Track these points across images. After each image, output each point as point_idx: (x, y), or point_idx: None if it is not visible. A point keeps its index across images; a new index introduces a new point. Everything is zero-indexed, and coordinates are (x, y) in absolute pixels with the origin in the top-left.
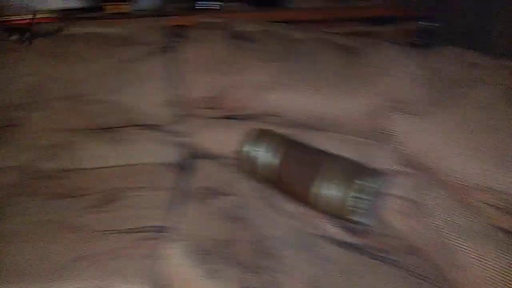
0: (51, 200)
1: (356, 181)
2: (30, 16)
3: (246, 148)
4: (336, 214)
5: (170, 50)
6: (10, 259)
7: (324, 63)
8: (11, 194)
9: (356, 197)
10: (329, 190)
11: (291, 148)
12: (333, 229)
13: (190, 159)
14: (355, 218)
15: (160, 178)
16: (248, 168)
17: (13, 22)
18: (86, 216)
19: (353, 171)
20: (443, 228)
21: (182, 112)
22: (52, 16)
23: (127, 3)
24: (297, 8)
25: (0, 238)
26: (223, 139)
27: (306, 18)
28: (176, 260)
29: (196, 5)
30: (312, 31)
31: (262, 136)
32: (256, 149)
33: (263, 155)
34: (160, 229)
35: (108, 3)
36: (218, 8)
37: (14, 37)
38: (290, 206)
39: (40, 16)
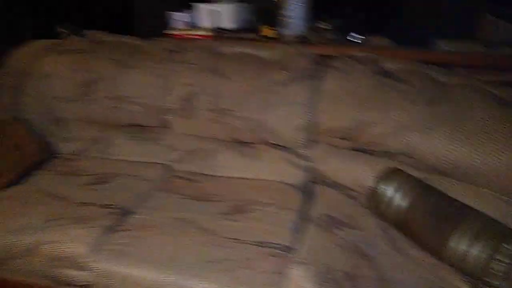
0: (186, 200)
1: (503, 245)
2: (192, 32)
3: (375, 185)
4: (471, 273)
5: (314, 77)
6: (152, 247)
7: (475, 112)
8: (154, 187)
9: (499, 260)
10: (469, 248)
11: (424, 193)
12: (464, 287)
13: (315, 185)
14: (493, 281)
15: (286, 197)
16: (374, 205)
17: (176, 36)
18: (217, 222)
19: (498, 232)
20: None
21: (315, 138)
22: (209, 33)
23: (277, 28)
24: (447, 51)
25: (145, 227)
26: (351, 171)
27: (455, 62)
28: (302, 283)
29: (348, 37)
30: (462, 76)
31: (394, 175)
32: (386, 188)
33: (393, 195)
34: (286, 248)
35: (262, 26)
36: (364, 42)
37: None
38: (417, 253)
39: (198, 33)
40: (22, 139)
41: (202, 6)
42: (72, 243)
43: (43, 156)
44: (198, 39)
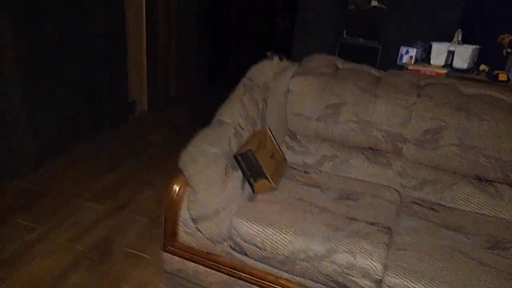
0: (437, 226)
1: None
2: (426, 68)
3: None
4: None
5: None
6: (433, 270)
7: None
8: (399, 210)
9: None
10: None
11: None
12: None
13: None
14: None
15: None
16: None
17: (410, 70)
18: (483, 254)
19: None
20: None
21: None
22: (442, 71)
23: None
24: None
25: (416, 249)
26: None
27: None
28: None
29: None
30: None
31: None
32: None
33: None
34: None
35: (499, 71)
36: None
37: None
38: None
39: (433, 70)
40: (273, 148)
41: (438, 44)
42: (366, 255)
43: (285, 165)
44: (432, 75)
